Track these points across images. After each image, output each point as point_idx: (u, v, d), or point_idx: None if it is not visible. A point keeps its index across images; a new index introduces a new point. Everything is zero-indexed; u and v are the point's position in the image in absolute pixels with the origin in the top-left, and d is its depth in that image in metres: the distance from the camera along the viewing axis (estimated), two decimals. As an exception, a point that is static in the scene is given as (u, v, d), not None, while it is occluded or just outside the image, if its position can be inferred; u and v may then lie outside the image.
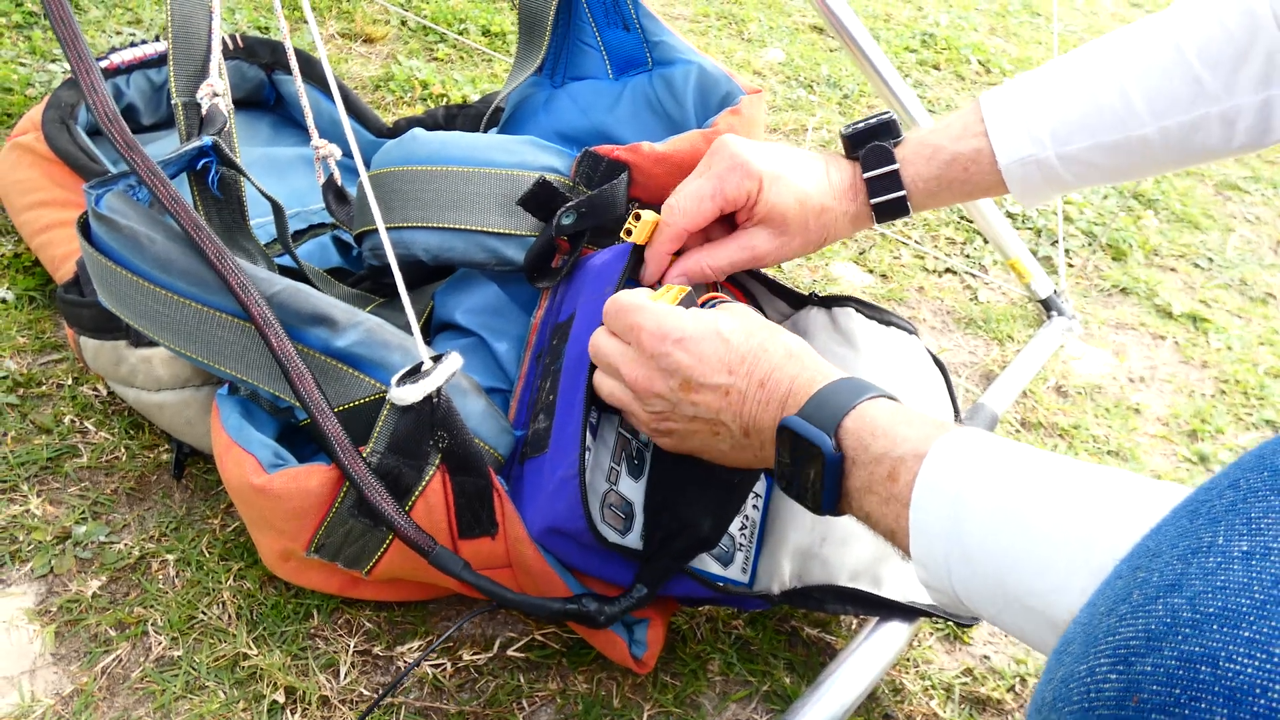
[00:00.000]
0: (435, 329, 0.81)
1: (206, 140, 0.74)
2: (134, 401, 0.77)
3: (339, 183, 0.96)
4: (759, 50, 1.89)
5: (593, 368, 0.64)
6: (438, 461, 0.65)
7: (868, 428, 0.50)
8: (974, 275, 1.35)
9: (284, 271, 0.81)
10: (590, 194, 0.73)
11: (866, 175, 0.67)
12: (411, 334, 0.67)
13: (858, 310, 0.75)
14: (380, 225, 0.64)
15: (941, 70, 1.98)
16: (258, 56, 1.15)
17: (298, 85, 0.89)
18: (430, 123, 1.12)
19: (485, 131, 0.92)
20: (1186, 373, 1.25)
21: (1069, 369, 1.21)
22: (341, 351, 0.67)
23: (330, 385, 0.67)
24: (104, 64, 1.06)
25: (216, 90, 0.78)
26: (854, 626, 0.79)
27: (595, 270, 0.71)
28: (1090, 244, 1.48)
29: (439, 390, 0.64)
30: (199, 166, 0.75)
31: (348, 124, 0.64)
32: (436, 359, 0.65)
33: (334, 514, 0.65)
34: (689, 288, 0.62)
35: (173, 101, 0.77)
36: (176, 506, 0.78)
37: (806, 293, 0.77)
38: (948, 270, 1.36)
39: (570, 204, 0.72)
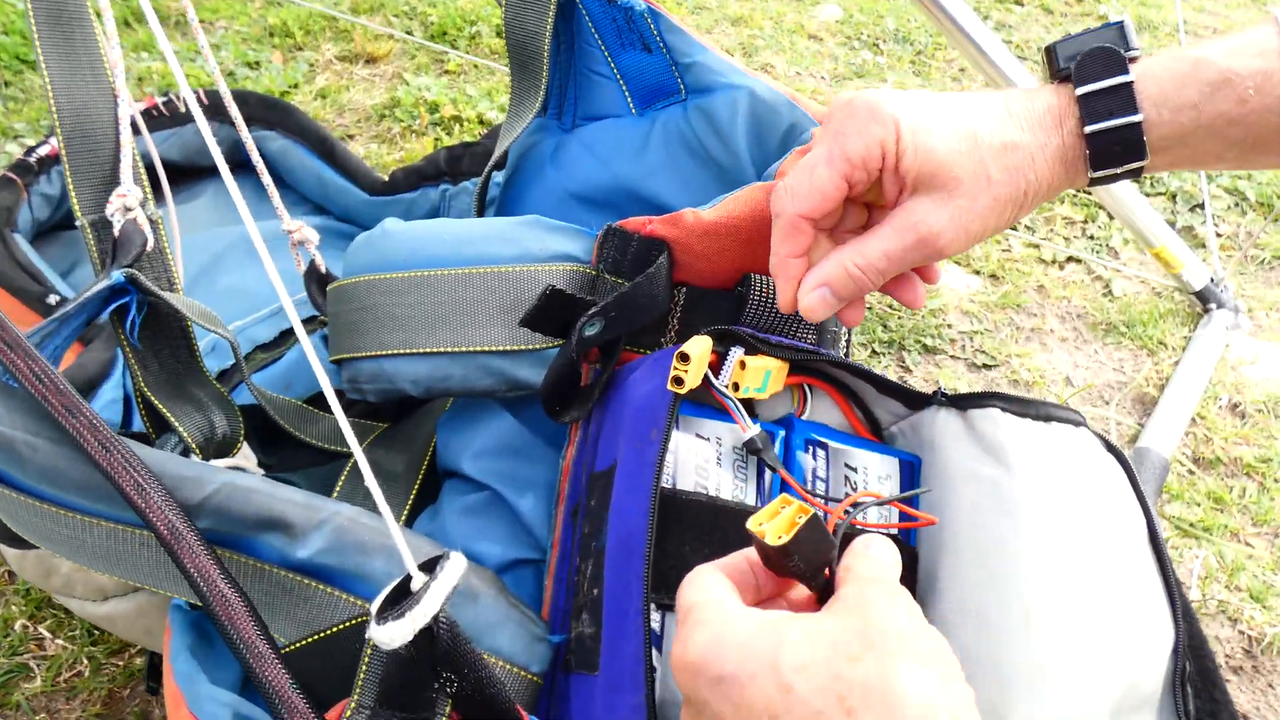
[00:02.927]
0: (442, 473, 0.63)
1: (117, 276, 0.57)
2: (79, 613, 0.61)
3: (323, 269, 0.79)
4: (811, 9, 1.66)
5: (649, 564, 0.45)
6: (447, 711, 0.48)
7: None
8: (1104, 263, 1.12)
9: (248, 412, 0.64)
10: (621, 291, 0.54)
11: (1081, 90, 0.44)
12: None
13: (1004, 410, 0.54)
14: (323, 382, 0.46)
15: (1025, 6, 1.72)
16: (226, 113, 0.97)
17: (250, 150, 0.72)
18: (431, 171, 0.94)
19: (486, 190, 0.73)
20: (1391, 362, 1.01)
21: (1242, 378, 0.98)
22: (305, 564, 0.49)
23: (297, 607, 0.50)
24: (45, 149, 0.90)
25: (129, 202, 0.60)
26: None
27: (637, 403, 0.52)
28: (1238, 204, 1.23)
29: (437, 619, 0.46)
30: (114, 308, 0.58)
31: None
32: (432, 565, 0.47)
33: (315, 797, 0.48)
34: (812, 510, 0.37)
35: (77, 222, 0.60)
36: (154, 729, 0.62)
37: (930, 390, 0.57)
38: (1070, 259, 1.13)
39: (594, 310, 0.53)
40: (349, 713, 0.47)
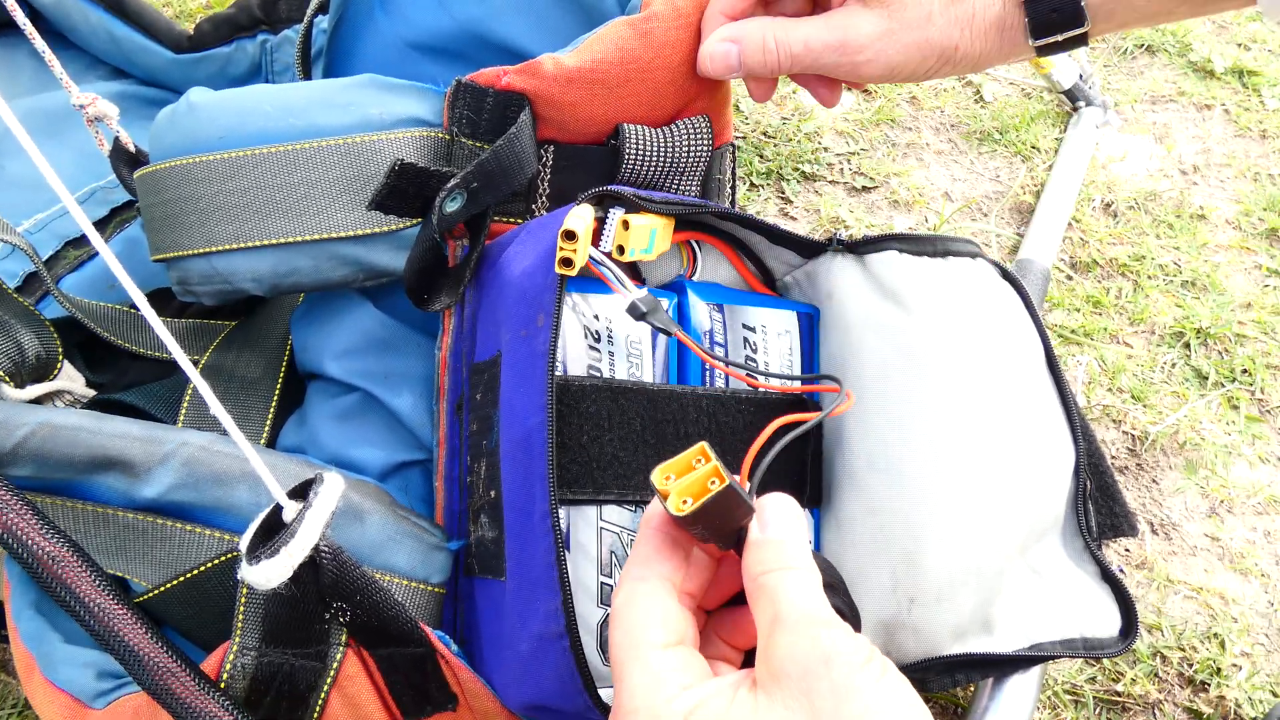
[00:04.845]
0: (304, 374, 0.57)
1: None
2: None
3: (132, 147, 0.68)
4: None
5: (553, 466, 0.41)
6: (344, 639, 0.44)
7: None
8: (974, 68, 1.09)
9: (66, 325, 0.56)
10: (481, 157, 0.48)
11: None
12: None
13: (901, 251, 0.51)
14: (136, 297, 0.39)
15: None
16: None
17: (10, 8, 0.60)
18: (245, 20, 0.81)
19: (309, 42, 0.63)
20: (1245, 149, 1.03)
21: (1113, 176, 0.98)
22: (155, 504, 0.44)
23: (153, 549, 0.45)
24: None
25: None
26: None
27: (517, 285, 0.46)
28: (1103, -6, 1.21)
29: (318, 549, 0.41)
30: None
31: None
32: (304, 490, 0.42)
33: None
34: (727, 481, 0.32)
35: None
36: (16, 687, 0.57)
37: (823, 237, 0.53)
38: (941, 67, 1.10)
39: (453, 183, 0.47)
40: (232, 655, 0.42)
